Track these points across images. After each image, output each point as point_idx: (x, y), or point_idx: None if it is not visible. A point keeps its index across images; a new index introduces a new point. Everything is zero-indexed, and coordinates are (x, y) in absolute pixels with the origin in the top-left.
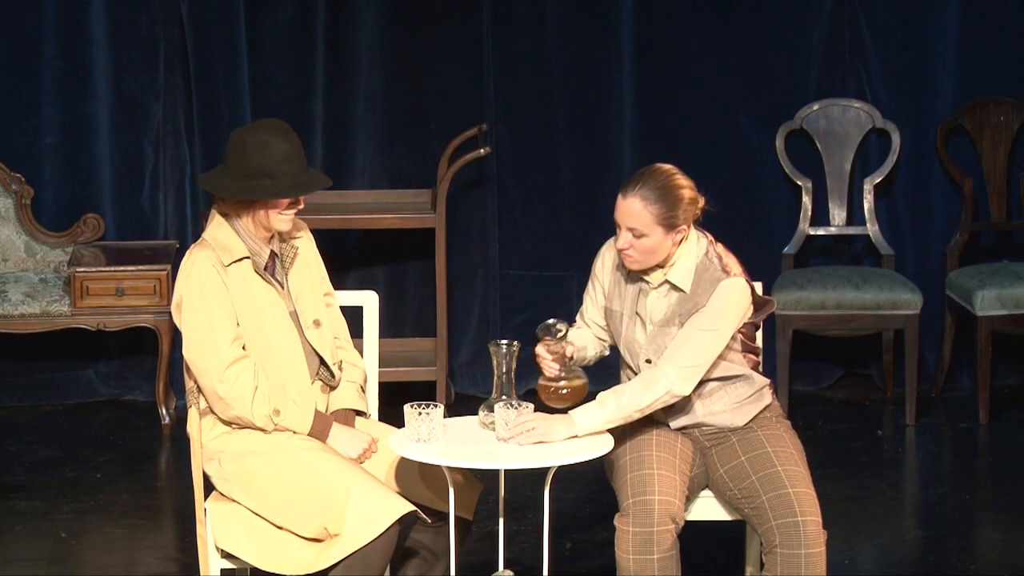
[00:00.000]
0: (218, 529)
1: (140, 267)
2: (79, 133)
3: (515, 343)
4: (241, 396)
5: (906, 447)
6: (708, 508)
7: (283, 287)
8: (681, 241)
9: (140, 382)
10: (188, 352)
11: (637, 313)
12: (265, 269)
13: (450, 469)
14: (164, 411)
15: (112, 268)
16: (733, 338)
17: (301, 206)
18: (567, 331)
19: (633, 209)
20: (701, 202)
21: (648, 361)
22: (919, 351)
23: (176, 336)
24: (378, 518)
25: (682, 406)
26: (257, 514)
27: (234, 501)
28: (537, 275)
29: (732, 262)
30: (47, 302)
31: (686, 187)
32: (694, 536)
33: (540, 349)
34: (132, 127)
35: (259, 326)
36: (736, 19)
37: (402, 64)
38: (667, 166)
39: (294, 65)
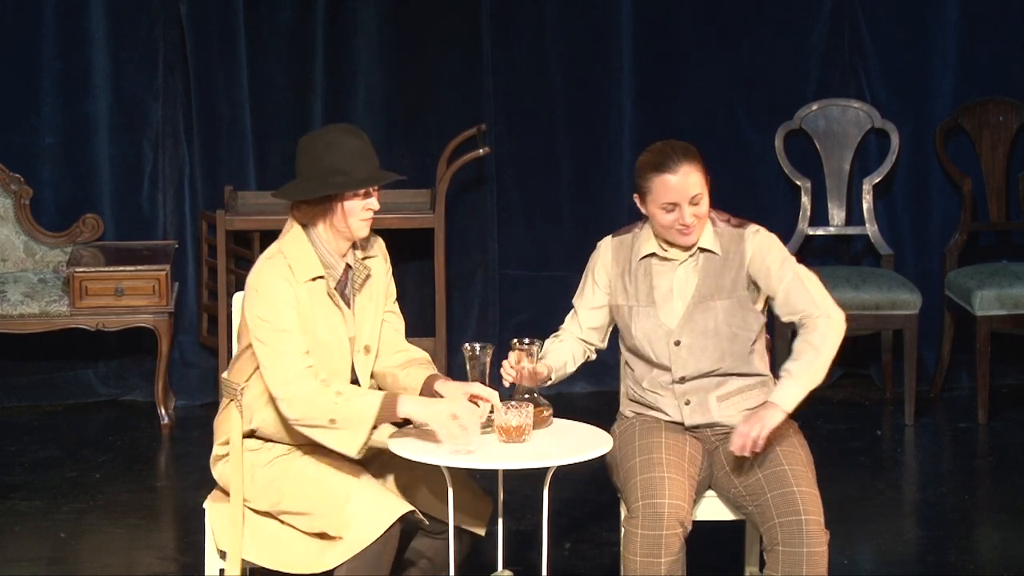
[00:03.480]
0: (218, 529)
1: (139, 267)
2: (78, 133)
3: (489, 346)
4: (302, 394)
5: (905, 447)
6: (709, 508)
7: (349, 307)
8: None
9: (139, 382)
10: (259, 355)
11: (655, 300)
12: (337, 286)
13: (454, 479)
14: (163, 411)
15: (111, 268)
16: (759, 337)
17: (377, 207)
18: (539, 350)
19: (691, 178)
20: None
21: (677, 343)
22: (918, 351)
23: (175, 336)
24: (378, 519)
25: (701, 403)
26: (258, 512)
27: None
28: (536, 275)
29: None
30: (46, 302)
31: None
32: (694, 536)
33: (511, 358)
34: (131, 127)
35: (314, 348)
36: (736, 19)
37: (402, 64)
38: (664, 141)
39: (294, 65)
